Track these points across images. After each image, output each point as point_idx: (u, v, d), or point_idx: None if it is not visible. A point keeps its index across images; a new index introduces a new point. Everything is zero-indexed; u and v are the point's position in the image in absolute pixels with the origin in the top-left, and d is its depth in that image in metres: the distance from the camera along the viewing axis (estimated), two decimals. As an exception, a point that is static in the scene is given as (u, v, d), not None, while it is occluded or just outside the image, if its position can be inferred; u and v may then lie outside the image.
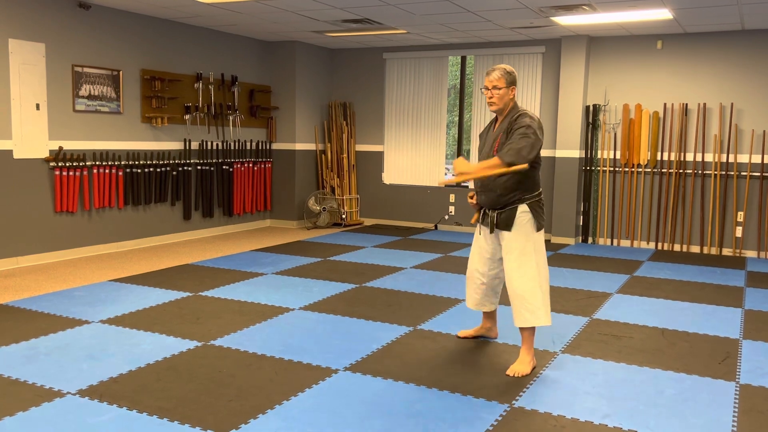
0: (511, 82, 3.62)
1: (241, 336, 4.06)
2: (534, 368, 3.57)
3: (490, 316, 4.05)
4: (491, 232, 3.67)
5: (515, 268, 3.56)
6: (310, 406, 3.06)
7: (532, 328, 3.58)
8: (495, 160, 3.44)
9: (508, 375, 3.47)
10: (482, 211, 3.75)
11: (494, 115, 3.79)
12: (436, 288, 5.41)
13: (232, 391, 3.21)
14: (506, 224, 3.59)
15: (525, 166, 3.42)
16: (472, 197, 3.80)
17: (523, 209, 3.56)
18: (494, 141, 3.64)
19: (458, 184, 3.55)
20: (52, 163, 6.16)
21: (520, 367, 3.52)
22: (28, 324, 4.22)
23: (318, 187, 9.21)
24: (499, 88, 3.60)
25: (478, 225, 3.80)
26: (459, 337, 4.09)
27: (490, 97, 3.62)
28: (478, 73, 8.51)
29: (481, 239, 3.78)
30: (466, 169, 3.49)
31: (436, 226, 8.92)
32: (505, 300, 4.80)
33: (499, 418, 2.95)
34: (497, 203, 3.61)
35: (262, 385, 3.28)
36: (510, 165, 3.41)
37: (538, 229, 3.59)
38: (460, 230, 8.74)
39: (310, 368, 3.53)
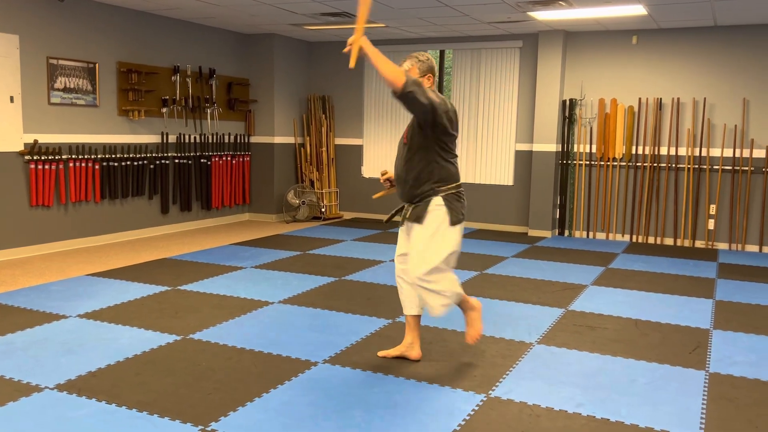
0: (426, 70, 3.37)
1: (220, 330, 4.07)
2: (479, 308, 3.48)
3: (411, 327, 3.59)
4: (401, 224, 3.47)
5: (417, 256, 3.31)
6: (290, 398, 3.08)
7: (461, 300, 3.41)
8: (400, 70, 3.14)
9: (469, 342, 3.47)
10: (399, 209, 3.53)
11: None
12: (414, 281, 5.45)
13: (211, 384, 3.22)
14: (417, 217, 3.34)
15: (399, 84, 3.08)
16: (384, 173, 3.65)
17: (437, 202, 3.31)
18: (406, 129, 3.42)
19: (358, 53, 3.22)
20: (27, 157, 6.09)
21: (471, 329, 3.44)
22: (4, 319, 4.19)
23: (297, 180, 9.20)
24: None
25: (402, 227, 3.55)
26: (379, 356, 3.67)
27: None
28: (457, 67, 8.55)
29: (401, 235, 3.54)
30: (369, 46, 3.13)
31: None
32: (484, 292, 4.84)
33: (476, 408, 3.01)
34: (411, 196, 3.37)
35: (242, 378, 3.30)
36: (402, 85, 3.08)
37: (453, 224, 3.33)
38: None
39: (290, 361, 3.56)
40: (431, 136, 3.29)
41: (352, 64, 3.17)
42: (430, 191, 3.32)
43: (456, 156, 3.42)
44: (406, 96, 3.12)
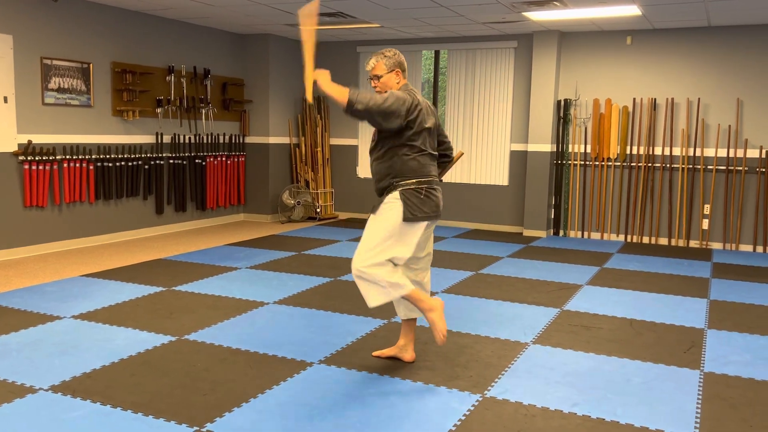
0: (394, 65, 3.30)
1: (215, 330, 4.06)
2: (442, 306, 3.29)
3: (406, 332, 3.56)
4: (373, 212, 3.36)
5: (360, 244, 3.24)
6: (286, 399, 3.08)
7: (409, 294, 3.22)
8: (346, 89, 3.10)
9: (441, 344, 3.27)
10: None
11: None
12: (409, 281, 5.45)
13: (206, 385, 3.22)
14: (373, 208, 3.30)
15: (343, 103, 3.07)
16: None
17: (393, 196, 3.22)
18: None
19: (311, 85, 3.20)
20: (20, 157, 6.06)
21: (436, 327, 3.25)
22: (-2, 320, 4.17)
23: (292, 180, 9.19)
24: (380, 77, 3.31)
25: None
26: (373, 356, 3.66)
27: (375, 86, 3.34)
28: (452, 67, 8.56)
29: None
30: (322, 77, 3.13)
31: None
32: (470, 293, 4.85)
33: (471, 408, 3.01)
34: (380, 189, 3.33)
35: (237, 379, 3.30)
36: (347, 103, 3.06)
37: (407, 220, 3.19)
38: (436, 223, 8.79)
39: (285, 362, 3.55)
40: (394, 134, 3.24)
41: (309, 99, 3.22)
42: (390, 186, 3.25)
43: (424, 151, 3.28)
44: (354, 112, 3.10)
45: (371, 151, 3.38)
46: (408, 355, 3.56)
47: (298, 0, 6.34)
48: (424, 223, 3.28)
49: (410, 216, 3.20)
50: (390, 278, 3.18)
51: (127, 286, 5.11)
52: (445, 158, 3.60)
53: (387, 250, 3.19)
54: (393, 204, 3.22)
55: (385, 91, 3.26)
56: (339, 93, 3.09)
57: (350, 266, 3.30)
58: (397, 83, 3.32)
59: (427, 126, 3.28)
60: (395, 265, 3.24)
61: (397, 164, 3.23)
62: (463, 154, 3.37)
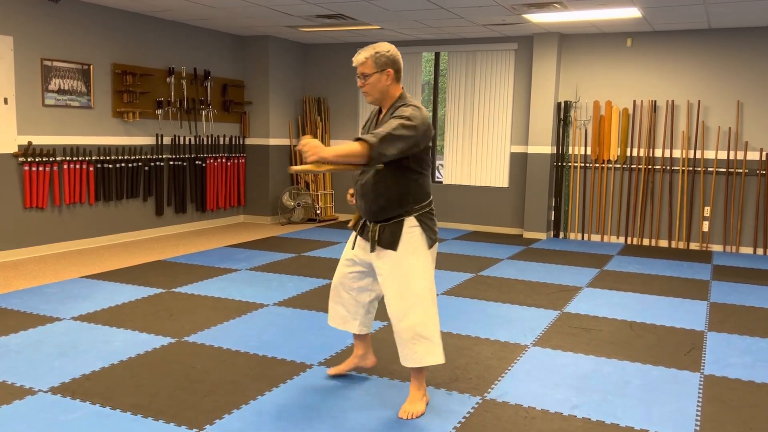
0: (385, 64, 2.85)
1: (215, 332, 4.06)
2: (427, 402, 3.03)
3: (362, 339, 3.32)
4: (372, 250, 2.94)
5: (399, 297, 2.89)
6: (285, 401, 3.08)
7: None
8: (357, 145, 2.64)
9: (401, 417, 2.90)
10: (363, 221, 3.04)
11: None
12: (409, 283, 5.44)
13: (206, 386, 3.21)
14: (391, 242, 2.87)
15: (365, 156, 2.65)
16: (352, 195, 3.08)
17: (411, 223, 2.87)
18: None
19: (315, 175, 2.70)
20: (21, 158, 6.06)
21: (412, 407, 2.94)
22: (-2, 321, 4.17)
23: (292, 182, 9.19)
24: (368, 75, 2.86)
25: (353, 232, 3.11)
26: (330, 375, 3.38)
27: (362, 86, 2.90)
28: (452, 69, 8.57)
29: (353, 245, 3.11)
30: (324, 153, 2.57)
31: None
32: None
33: (471, 411, 3.01)
34: (378, 215, 2.90)
35: (237, 381, 3.29)
36: (376, 155, 2.65)
37: (430, 246, 2.91)
38: (434, 225, 8.79)
39: (285, 363, 3.55)
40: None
41: (292, 170, 2.62)
42: (403, 212, 2.87)
43: (430, 170, 3.00)
44: (380, 160, 2.69)
45: (370, 171, 2.89)
46: (369, 361, 3.35)
47: (297, 2, 6.34)
48: (437, 244, 3.01)
49: (430, 240, 2.91)
50: (439, 334, 2.94)
51: (127, 287, 5.11)
52: None
53: (429, 294, 2.89)
54: (415, 233, 2.87)
55: (407, 112, 2.78)
56: (351, 151, 2.63)
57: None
58: (389, 86, 2.89)
59: (431, 144, 2.98)
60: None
61: (410, 186, 2.86)
62: None
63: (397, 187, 2.85)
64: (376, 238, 2.91)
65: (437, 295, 5.07)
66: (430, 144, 2.93)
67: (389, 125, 2.72)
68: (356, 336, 3.32)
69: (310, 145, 2.56)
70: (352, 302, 3.19)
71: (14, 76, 5.98)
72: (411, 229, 2.87)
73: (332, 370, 3.39)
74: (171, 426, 2.79)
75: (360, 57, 2.87)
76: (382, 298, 3.07)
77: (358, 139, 2.68)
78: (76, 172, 6.55)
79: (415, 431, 2.79)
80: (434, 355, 2.91)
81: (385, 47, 2.88)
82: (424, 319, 2.88)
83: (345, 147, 2.64)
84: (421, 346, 2.89)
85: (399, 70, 2.91)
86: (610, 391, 3.26)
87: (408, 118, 2.74)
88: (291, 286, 5.28)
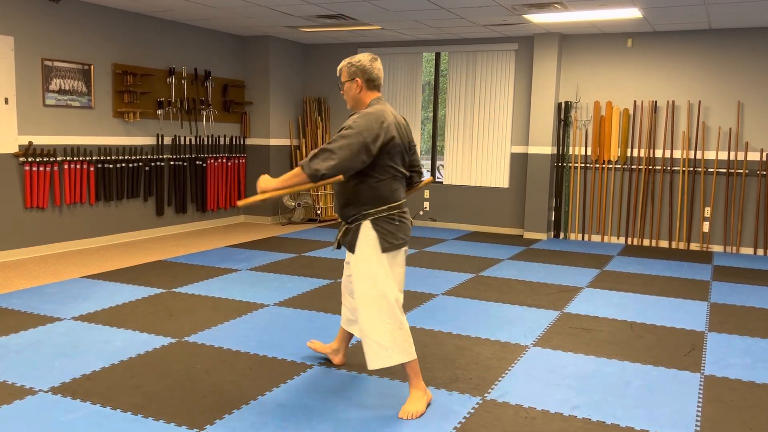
0: (354, 73, 3.02)
1: (215, 332, 4.06)
2: (429, 402, 3.06)
3: (342, 337, 3.49)
4: (337, 247, 3.16)
5: (357, 297, 3.02)
6: (285, 401, 3.08)
7: (410, 362, 3.00)
8: (296, 170, 2.85)
9: (401, 418, 2.92)
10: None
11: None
12: (409, 283, 5.45)
13: (206, 387, 3.22)
14: (350, 245, 3.04)
15: (339, 177, 2.84)
16: None
17: (367, 226, 2.96)
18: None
19: (263, 201, 2.93)
20: (21, 158, 6.07)
21: (411, 406, 2.96)
22: (-2, 321, 4.17)
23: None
24: (343, 83, 3.08)
25: None
26: (308, 347, 3.64)
27: (343, 94, 3.13)
28: (453, 69, 8.57)
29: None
30: (267, 185, 2.91)
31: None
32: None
33: (472, 411, 3.01)
34: (342, 215, 3.07)
35: (237, 381, 3.29)
36: (311, 173, 2.79)
37: (385, 251, 2.96)
38: (435, 225, 8.80)
39: (285, 363, 3.55)
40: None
41: (241, 203, 2.95)
42: (360, 215, 2.98)
43: (395, 176, 3.01)
44: (322, 177, 2.82)
45: None
46: (337, 359, 3.51)
47: (297, 2, 6.34)
48: (402, 249, 3.04)
49: (387, 246, 2.96)
50: (396, 337, 2.97)
51: (127, 287, 5.11)
52: (410, 182, 3.28)
53: (389, 295, 2.96)
54: (369, 237, 2.96)
55: (350, 121, 2.92)
56: (293, 178, 2.86)
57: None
58: (359, 93, 3.03)
59: (399, 147, 2.99)
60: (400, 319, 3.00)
61: (366, 191, 2.96)
62: (432, 181, 3.09)
63: (352, 189, 2.98)
64: (339, 238, 3.13)
65: (439, 294, 5.08)
66: (395, 150, 2.97)
67: (332, 139, 2.89)
68: (340, 333, 3.50)
69: (259, 182, 2.94)
70: (353, 304, 3.27)
71: (15, 76, 5.98)
72: (366, 232, 2.98)
73: (312, 343, 3.63)
74: (171, 426, 2.79)
75: (339, 66, 3.10)
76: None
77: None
78: (77, 172, 6.56)
79: (416, 431, 2.79)
80: (381, 360, 2.98)
81: (357, 58, 3.06)
82: (371, 322, 2.98)
83: (288, 174, 2.89)
84: (369, 349, 3.01)
85: (370, 80, 3.05)
86: (611, 392, 3.26)
87: (348, 127, 2.88)
88: (291, 286, 5.28)
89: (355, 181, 2.97)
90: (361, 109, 3.05)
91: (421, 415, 2.95)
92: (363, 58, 3.06)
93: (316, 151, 2.86)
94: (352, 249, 3.04)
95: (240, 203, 2.91)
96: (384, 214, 2.98)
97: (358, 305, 3.03)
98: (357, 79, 3.03)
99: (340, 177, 2.85)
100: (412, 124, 8.86)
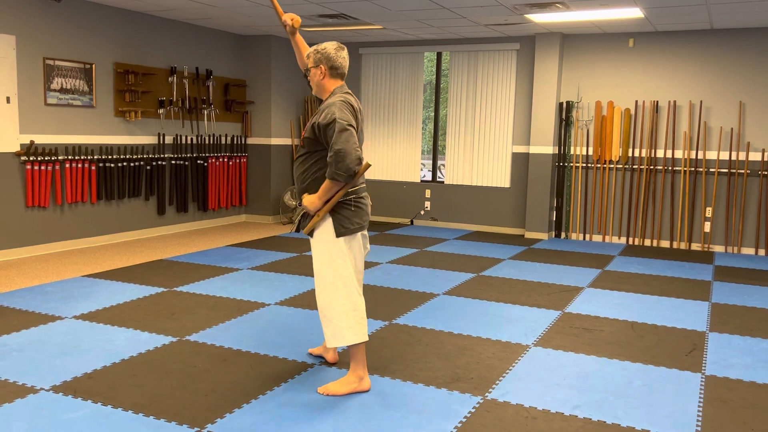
0: (318, 60, 3.12)
1: (216, 331, 4.06)
2: (363, 391, 3.16)
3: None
4: (296, 230, 3.28)
5: (315, 279, 3.16)
6: (286, 400, 3.08)
7: (357, 346, 3.14)
8: (327, 182, 2.99)
9: (319, 392, 3.12)
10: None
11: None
12: (411, 283, 5.45)
13: (207, 385, 3.22)
14: (308, 228, 3.12)
15: (367, 162, 3.02)
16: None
17: (324, 211, 3.07)
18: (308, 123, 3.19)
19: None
20: (23, 157, 6.07)
21: (333, 385, 3.14)
22: (0, 320, 4.17)
23: (294, 182, 9.19)
24: (308, 69, 3.18)
25: None
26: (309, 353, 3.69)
27: (308, 80, 3.21)
28: (454, 69, 8.56)
29: None
30: (315, 203, 3.04)
31: (411, 222, 8.97)
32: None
33: (473, 410, 3.01)
34: (301, 200, 3.18)
35: (238, 380, 3.30)
36: (340, 174, 2.93)
37: (340, 235, 3.06)
38: (436, 225, 8.80)
39: (286, 363, 3.55)
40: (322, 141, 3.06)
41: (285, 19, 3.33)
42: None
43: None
44: (355, 173, 2.96)
45: (298, 155, 3.21)
46: (329, 356, 3.54)
47: (299, 2, 6.35)
48: (359, 235, 3.15)
49: (342, 230, 3.06)
50: (350, 318, 3.10)
51: (129, 286, 5.12)
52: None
53: (343, 278, 3.08)
54: (325, 223, 3.07)
55: (330, 114, 3.00)
56: (329, 188, 2.99)
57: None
58: (321, 80, 3.13)
59: (358, 135, 3.07)
60: (355, 302, 3.13)
61: (319, 176, 3.08)
62: (369, 165, 3.19)
63: (312, 175, 3.11)
64: (297, 221, 3.23)
65: (440, 294, 5.08)
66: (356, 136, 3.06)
67: (333, 142, 2.96)
68: None
69: (307, 205, 3.07)
70: None
71: (16, 75, 5.99)
72: (324, 217, 3.09)
73: (311, 350, 3.67)
74: (172, 425, 2.79)
75: (306, 53, 3.22)
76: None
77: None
78: (78, 171, 6.56)
79: (416, 431, 2.80)
80: (338, 339, 3.13)
81: (323, 46, 3.15)
82: (329, 302, 3.12)
83: (322, 190, 3.02)
84: (327, 328, 3.15)
85: (334, 68, 3.15)
86: (611, 392, 3.26)
87: (333, 121, 2.96)
88: (292, 285, 5.28)
89: (316, 167, 3.09)
90: (324, 96, 3.18)
91: (338, 396, 3.09)
92: (329, 46, 3.15)
93: (331, 160, 2.94)
94: (311, 234, 3.14)
95: (305, 231, 3.16)
96: (340, 200, 3.07)
97: (316, 286, 3.16)
98: (321, 66, 3.13)
99: (368, 162, 3.02)
100: (413, 124, 8.87)
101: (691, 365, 3.67)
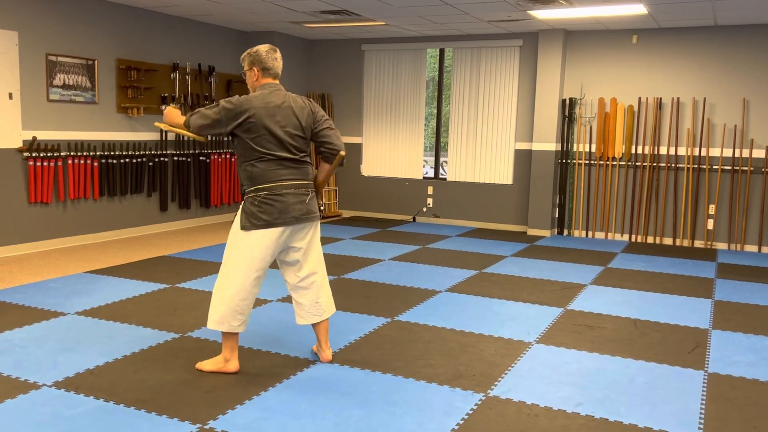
0: (250, 63, 3.29)
1: (218, 327, 4.06)
2: (229, 372, 3.31)
3: (317, 332, 3.51)
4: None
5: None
6: (288, 397, 3.08)
7: (229, 335, 3.31)
8: (183, 117, 3.28)
9: (196, 368, 3.36)
10: None
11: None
12: (413, 279, 5.45)
13: (209, 382, 3.22)
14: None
15: (201, 138, 3.28)
16: None
17: (242, 204, 3.26)
18: None
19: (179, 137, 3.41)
20: (25, 154, 6.08)
21: (205, 363, 3.36)
22: (2, 316, 4.18)
23: (296, 178, 9.18)
24: (244, 72, 3.35)
25: None
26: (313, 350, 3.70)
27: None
28: (457, 65, 8.55)
29: None
30: (169, 118, 3.30)
31: (414, 218, 8.97)
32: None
33: (475, 407, 3.00)
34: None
35: (240, 377, 3.30)
36: (186, 125, 3.22)
37: (243, 228, 3.18)
38: (438, 222, 8.79)
39: (288, 359, 3.55)
40: (235, 138, 3.24)
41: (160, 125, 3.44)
42: (243, 193, 3.28)
43: (264, 157, 3.16)
44: (187, 127, 3.23)
45: None
46: (323, 355, 3.51)
47: (303, -3, 6.34)
48: (264, 232, 3.17)
49: (246, 224, 3.18)
50: (219, 306, 3.23)
51: (131, 282, 5.12)
52: (328, 159, 3.37)
53: (233, 267, 3.21)
54: (238, 215, 3.26)
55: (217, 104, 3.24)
56: (178, 121, 3.27)
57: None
58: (255, 81, 3.29)
59: (269, 130, 3.15)
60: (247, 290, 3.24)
61: (241, 172, 3.25)
62: (343, 156, 3.27)
63: (239, 171, 3.28)
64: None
65: (442, 291, 5.08)
66: (261, 132, 3.16)
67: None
68: (314, 329, 3.52)
69: (165, 113, 3.32)
70: (299, 297, 3.48)
71: (19, 71, 5.99)
72: (240, 209, 3.25)
73: (314, 347, 3.64)
74: (174, 421, 2.79)
75: (242, 56, 3.35)
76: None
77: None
78: (81, 167, 6.56)
79: (418, 427, 2.79)
80: (209, 320, 3.28)
81: (255, 49, 3.28)
82: (217, 284, 3.27)
83: (179, 119, 3.28)
84: (211, 303, 3.29)
85: (265, 69, 3.28)
86: (614, 389, 3.26)
87: (220, 102, 3.20)
88: (294, 282, 5.28)
89: (239, 162, 3.26)
90: None
91: (205, 372, 3.30)
92: (261, 48, 3.29)
93: (198, 109, 3.22)
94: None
95: (156, 124, 3.59)
96: (251, 195, 3.20)
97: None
98: (254, 68, 3.27)
99: (201, 138, 3.28)
100: (416, 120, 8.85)
101: (694, 363, 3.66)
